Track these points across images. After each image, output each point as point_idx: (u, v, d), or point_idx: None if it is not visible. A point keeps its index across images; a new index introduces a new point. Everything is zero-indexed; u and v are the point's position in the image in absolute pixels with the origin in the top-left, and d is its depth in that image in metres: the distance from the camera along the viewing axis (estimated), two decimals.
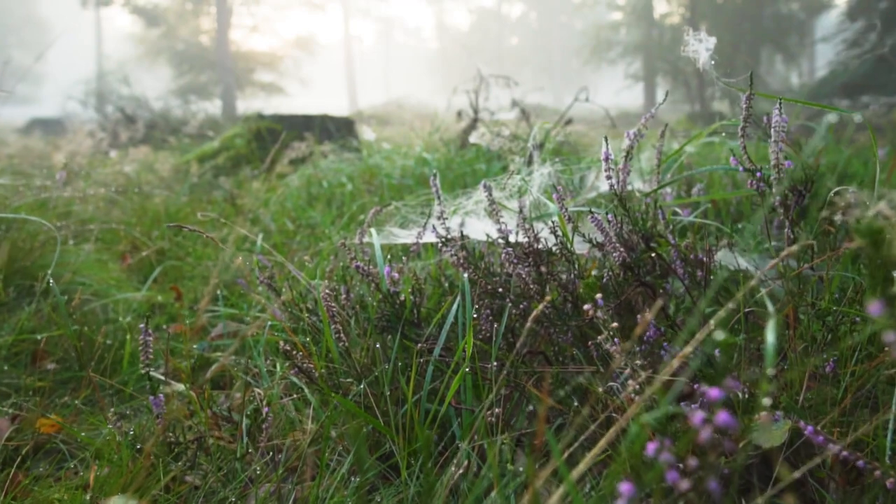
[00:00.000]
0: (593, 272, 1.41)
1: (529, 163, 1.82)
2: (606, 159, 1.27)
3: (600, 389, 1.03)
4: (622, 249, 1.19)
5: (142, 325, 1.17)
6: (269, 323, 1.79)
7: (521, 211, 1.37)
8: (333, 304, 1.26)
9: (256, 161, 6.67)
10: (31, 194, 3.11)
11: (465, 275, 1.26)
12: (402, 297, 1.39)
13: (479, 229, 1.78)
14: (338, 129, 7.48)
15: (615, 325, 0.79)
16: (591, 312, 0.76)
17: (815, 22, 25.25)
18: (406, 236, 1.74)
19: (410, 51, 75.23)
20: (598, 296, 0.75)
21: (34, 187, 3.19)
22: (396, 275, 1.40)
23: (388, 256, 1.76)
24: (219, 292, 2.25)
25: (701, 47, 1.49)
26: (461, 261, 1.26)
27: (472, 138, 2.49)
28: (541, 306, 0.80)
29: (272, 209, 3.82)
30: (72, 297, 1.97)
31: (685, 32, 1.51)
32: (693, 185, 2.87)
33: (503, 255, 1.23)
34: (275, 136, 7.42)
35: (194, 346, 1.93)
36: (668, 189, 2.76)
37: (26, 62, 51.02)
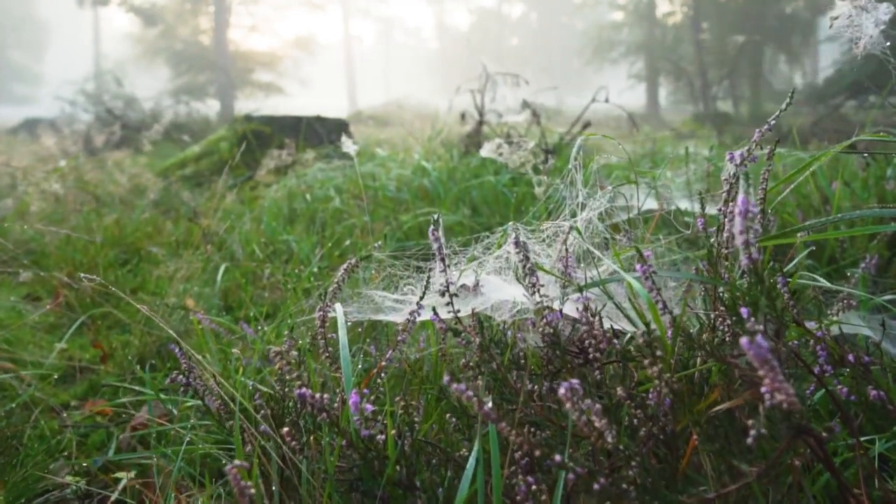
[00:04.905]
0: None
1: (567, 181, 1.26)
2: (745, 214, 0.71)
3: None
4: (790, 392, 0.63)
5: None
6: (192, 423, 1.22)
7: (585, 298, 0.81)
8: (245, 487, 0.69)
9: (241, 167, 6.10)
10: None
11: (493, 429, 0.69)
12: (383, 437, 0.82)
13: (505, 290, 1.21)
14: (330, 132, 6.90)
15: None
16: None
17: (819, 21, 24.73)
18: (391, 305, 1.18)
19: (410, 51, 74.69)
20: None
21: None
22: (370, 406, 0.83)
23: (361, 340, 1.20)
24: (139, 366, 1.68)
25: (867, 21, 0.93)
26: (485, 408, 0.69)
27: (484, 152, 1.94)
28: None
29: (245, 229, 3.25)
30: None
31: (830, 7, 0.96)
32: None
33: (563, 391, 0.67)
34: (262, 139, 6.85)
35: (86, 463, 1.36)
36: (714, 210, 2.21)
37: (24, 62, 50.59)
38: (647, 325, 0.75)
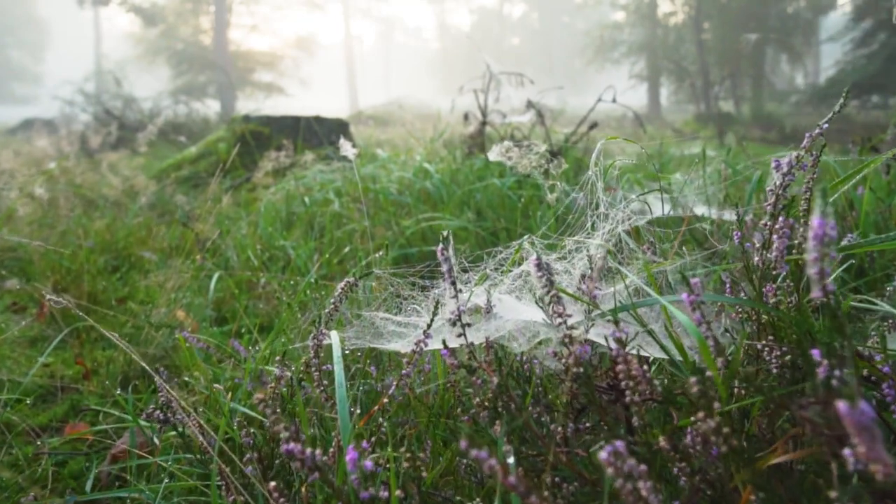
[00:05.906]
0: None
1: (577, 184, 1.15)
2: (821, 239, 0.59)
3: None
4: (889, 462, 0.52)
5: None
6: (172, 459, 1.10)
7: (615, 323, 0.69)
8: None
9: (239, 169, 5.98)
10: None
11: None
12: (385, 493, 0.70)
13: (522, 311, 1.09)
14: (330, 133, 6.78)
15: None
16: None
17: (821, 21, 24.58)
18: (394, 330, 1.06)
19: (411, 51, 74.59)
20: None
21: None
22: (370, 463, 0.71)
23: (363, 365, 1.08)
24: (123, 386, 1.56)
25: None
26: (511, 480, 0.57)
27: (492, 156, 1.82)
28: None
29: (240, 234, 3.13)
30: None
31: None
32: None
33: (605, 456, 0.56)
34: (261, 139, 6.73)
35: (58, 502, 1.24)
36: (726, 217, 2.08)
37: (25, 62, 50.47)
38: (700, 371, 0.63)
